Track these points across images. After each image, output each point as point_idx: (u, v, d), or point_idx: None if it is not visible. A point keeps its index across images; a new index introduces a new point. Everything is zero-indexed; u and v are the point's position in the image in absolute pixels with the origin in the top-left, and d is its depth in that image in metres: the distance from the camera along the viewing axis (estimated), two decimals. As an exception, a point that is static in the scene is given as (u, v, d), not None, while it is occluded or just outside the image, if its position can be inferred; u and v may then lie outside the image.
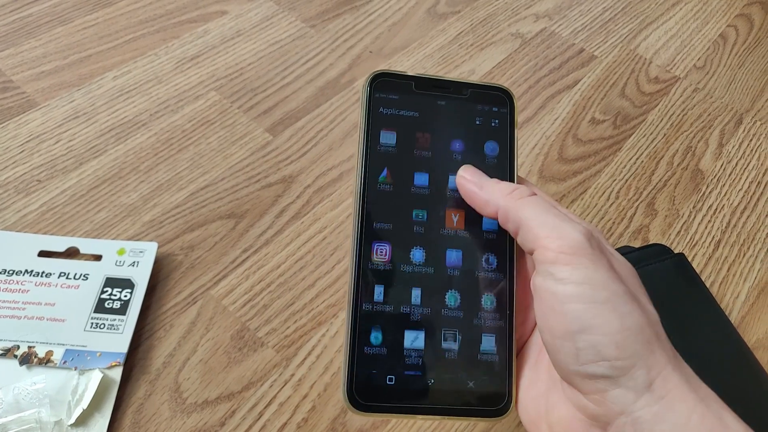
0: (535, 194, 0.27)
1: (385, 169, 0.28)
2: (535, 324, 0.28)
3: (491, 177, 0.29)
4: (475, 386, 0.26)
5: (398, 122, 0.29)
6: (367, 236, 0.27)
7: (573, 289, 0.23)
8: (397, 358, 0.26)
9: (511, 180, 0.29)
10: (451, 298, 0.27)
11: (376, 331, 0.26)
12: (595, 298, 0.23)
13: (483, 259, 0.28)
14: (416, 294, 0.27)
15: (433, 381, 0.26)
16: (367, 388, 0.25)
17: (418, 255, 0.27)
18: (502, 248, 0.28)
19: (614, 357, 0.22)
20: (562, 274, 0.23)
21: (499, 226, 0.28)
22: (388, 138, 0.28)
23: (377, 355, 0.26)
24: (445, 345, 0.27)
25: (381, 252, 0.27)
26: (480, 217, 0.28)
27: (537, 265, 0.25)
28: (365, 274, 0.27)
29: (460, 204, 0.28)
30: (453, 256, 0.28)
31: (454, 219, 0.28)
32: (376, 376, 0.26)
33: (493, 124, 0.30)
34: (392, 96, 0.29)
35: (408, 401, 0.26)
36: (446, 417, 0.26)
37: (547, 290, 0.24)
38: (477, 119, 0.29)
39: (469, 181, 0.28)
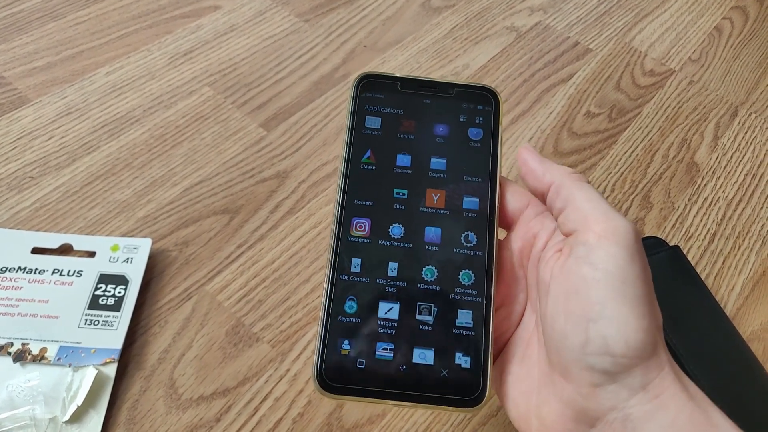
0: (588, 180, 0.27)
1: (369, 150, 0.29)
2: (520, 319, 0.28)
3: (473, 171, 0.29)
4: (448, 374, 0.26)
5: (384, 118, 0.30)
6: (347, 211, 0.28)
7: (602, 276, 0.23)
8: (370, 330, 0.26)
9: (494, 178, 0.29)
10: (428, 273, 0.27)
11: (351, 300, 0.26)
12: (621, 291, 0.23)
13: (462, 238, 0.28)
14: (393, 267, 0.27)
15: (405, 367, 0.26)
16: (338, 369, 0.25)
17: (396, 230, 0.28)
18: (482, 228, 0.28)
19: (621, 354, 0.22)
20: (596, 259, 0.23)
21: (479, 206, 0.28)
22: (372, 126, 0.29)
23: (350, 325, 0.26)
24: (419, 321, 0.27)
25: (360, 226, 0.28)
26: (461, 201, 0.29)
27: (573, 247, 0.24)
28: (344, 246, 0.27)
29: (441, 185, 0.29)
30: (432, 234, 0.28)
31: (435, 198, 0.29)
32: (348, 357, 0.25)
33: (477, 121, 0.30)
34: (378, 95, 0.30)
35: (379, 386, 0.25)
36: (417, 405, 0.25)
37: (577, 273, 0.24)
38: (461, 116, 0.30)
39: (530, 153, 0.28)
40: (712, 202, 0.51)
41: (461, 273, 0.28)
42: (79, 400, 0.34)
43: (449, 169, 0.29)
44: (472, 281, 0.28)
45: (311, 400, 0.37)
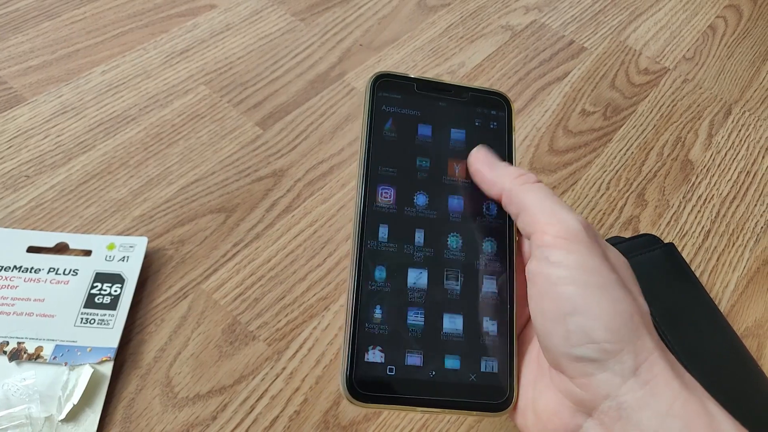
0: (540, 182, 0.27)
1: (389, 156, 0.29)
2: (527, 321, 0.28)
3: None
4: (476, 379, 0.26)
5: (400, 119, 0.29)
6: (370, 217, 0.27)
7: (566, 272, 0.24)
8: (399, 337, 0.26)
9: None
10: (453, 279, 0.27)
11: (378, 307, 0.26)
12: (588, 282, 0.23)
13: (484, 247, 0.28)
14: (418, 274, 0.27)
15: (434, 373, 0.26)
16: (368, 377, 0.25)
17: (420, 239, 0.28)
18: (501, 237, 0.29)
19: (603, 340, 0.23)
20: (556, 258, 0.24)
21: (497, 214, 0.29)
22: (390, 128, 0.29)
23: (379, 332, 0.26)
24: (447, 328, 0.26)
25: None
26: (480, 208, 0.29)
27: (533, 250, 0.25)
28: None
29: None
30: (454, 243, 0.28)
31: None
32: (378, 365, 0.25)
33: (491, 126, 0.31)
34: (395, 96, 0.30)
35: (409, 393, 0.25)
36: (447, 411, 0.25)
37: (541, 273, 0.24)
38: (476, 121, 0.30)
39: (480, 160, 0.28)
40: (706, 199, 0.51)
41: (485, 280, 0.28)
42: (75, 398, 0.34)
43: (466, 174, 0.29)
44: (495, 288, 0.28)
45: (307, 398, 0.37)
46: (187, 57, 0.53)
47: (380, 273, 0.27)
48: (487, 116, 0.31)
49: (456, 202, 0.29)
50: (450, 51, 0.58)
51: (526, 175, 0.27)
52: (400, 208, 0.28)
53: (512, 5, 0.64)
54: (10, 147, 0.45)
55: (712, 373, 0.38)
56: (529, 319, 0.28)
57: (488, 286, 0.28)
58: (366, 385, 0.25)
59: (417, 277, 0.27)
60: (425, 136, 0.29)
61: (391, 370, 0.25)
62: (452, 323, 0.27)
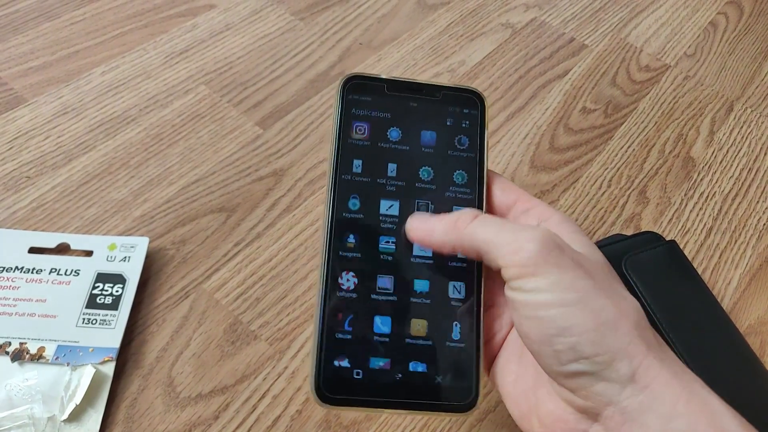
0: (479, 214, 0.26)
1: (357, 160, 0.29)
2: (511, 325, 0.28)
3: (461, 177, 0.29)
4: (442, 381, 0.26)
5: (371, 121, 0.29)
6: (338, 225, 0.28)
7: (542, 297, 0.23)
8: (366, 343, 0.26)
9: (481, 182, 0.30)
10: (420, 285, 0.28)
11: (347, 315, 0.27)
12: (565, 300, 0.23)
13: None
14: (386, 280, 0.28)
15: (400, 376, 0.26)
16: (335, 381, 0.25)
17: (386, 245, 0.28)
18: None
19: (592, 354, 0.23)
20: (529, 286, 0.24)
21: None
22: (360, 131, 0.29)
23: (347, 339, 0.26)
24: (413, 332, 0.27)
25: (351, 244, 0.28)
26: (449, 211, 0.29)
27: (506, 279, 0.25)
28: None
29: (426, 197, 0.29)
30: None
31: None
32: (344, 370, 0.26)
33: (464, 125, 0.30)
34: (365, 98, 0.30)
35: (375, 395, 0.26)
36: (414, 412, 0.26)
37: (518, 300, 0.24)
38: (448, 120, 0.30)
39: (418, 228, 0.27)
40: (708, 196, 0.51)
41: (450, 284, 0.28)
42: (78, 398, 0.34)
43: (437, 176, 0.29)
44: (461, 291, 0.28)
45: (309, 398, 0.37)
46: (187, 57, 0.53)
47: (348, 282, 0.27)
48: (460, 115, 0.30)
49: (425, 209, 0.29)
50: (450, 49, 0.58)
51: (461, 218, 0.26)
52: (369, 216, 0.28)
53: (512, 3, 0.64)
54: (11, 148, 0.45)
55: (715, 371, 0.38)
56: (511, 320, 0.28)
57: (455, 290, 0.28)
58: (333, 389, 0.25)
59: (385, 283, 0.27)
60: (396, 139, 0.29)
61: (357, 374, 0.26)
62: (419, 327, 0.27)
